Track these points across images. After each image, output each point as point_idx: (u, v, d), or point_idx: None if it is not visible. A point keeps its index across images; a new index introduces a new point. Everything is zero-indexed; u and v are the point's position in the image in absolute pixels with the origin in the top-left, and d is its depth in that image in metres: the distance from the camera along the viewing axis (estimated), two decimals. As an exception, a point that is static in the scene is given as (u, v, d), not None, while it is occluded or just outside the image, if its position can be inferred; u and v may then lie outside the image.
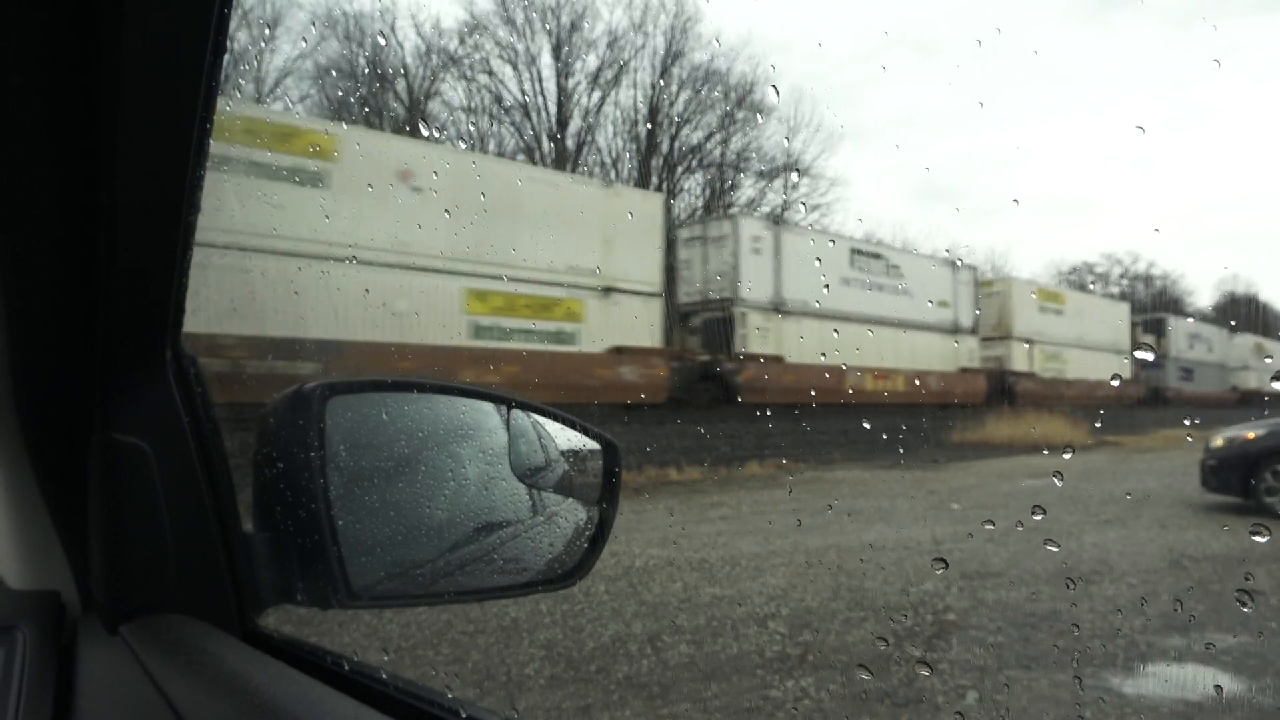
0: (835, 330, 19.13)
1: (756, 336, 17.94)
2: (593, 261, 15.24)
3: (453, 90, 30.68)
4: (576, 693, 3.71)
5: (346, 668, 0.91)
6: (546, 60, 30.66)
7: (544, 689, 3.73)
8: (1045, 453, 17.80)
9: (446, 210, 13.52)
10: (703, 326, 18.74)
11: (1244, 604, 4.65)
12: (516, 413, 1.14)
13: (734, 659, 4.11)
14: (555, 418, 1.15)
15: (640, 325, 16.04)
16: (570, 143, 30.61)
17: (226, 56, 0.74)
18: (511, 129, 30.58)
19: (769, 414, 17.87)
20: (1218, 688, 3.60)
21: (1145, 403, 27.89)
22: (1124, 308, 32.15)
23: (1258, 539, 5.85)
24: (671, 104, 31.19)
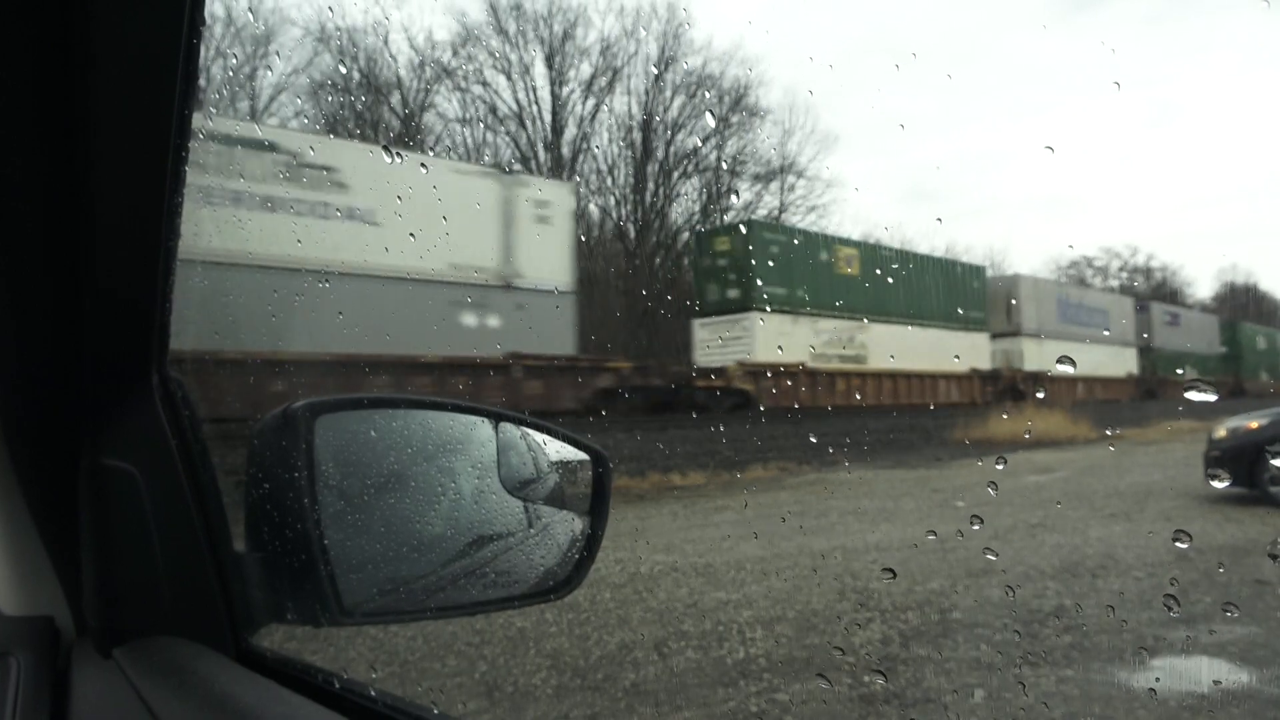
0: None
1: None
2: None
3: (447, 102, 30.77)
4: (583, 701, 3.70)
5: (337, 686, 0.91)
6: (540, 69, 30.78)
7: (551, 699, 3.73)
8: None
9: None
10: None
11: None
12: (505, 425, 1.14)
13: (740, 663, 4.10)
14: (542, 429, 1.16)
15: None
16: (565, 150, 30.70)
17: (200, 82, 0.74)
18: (507, 139, 30.66)
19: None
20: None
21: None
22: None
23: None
24: (666, 109, 31.29)
